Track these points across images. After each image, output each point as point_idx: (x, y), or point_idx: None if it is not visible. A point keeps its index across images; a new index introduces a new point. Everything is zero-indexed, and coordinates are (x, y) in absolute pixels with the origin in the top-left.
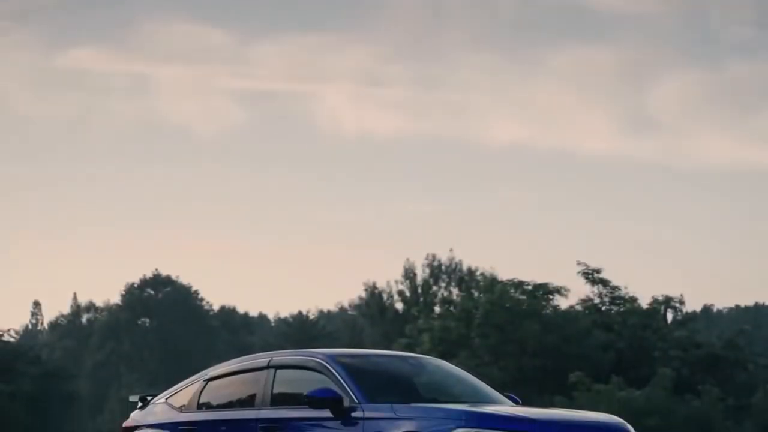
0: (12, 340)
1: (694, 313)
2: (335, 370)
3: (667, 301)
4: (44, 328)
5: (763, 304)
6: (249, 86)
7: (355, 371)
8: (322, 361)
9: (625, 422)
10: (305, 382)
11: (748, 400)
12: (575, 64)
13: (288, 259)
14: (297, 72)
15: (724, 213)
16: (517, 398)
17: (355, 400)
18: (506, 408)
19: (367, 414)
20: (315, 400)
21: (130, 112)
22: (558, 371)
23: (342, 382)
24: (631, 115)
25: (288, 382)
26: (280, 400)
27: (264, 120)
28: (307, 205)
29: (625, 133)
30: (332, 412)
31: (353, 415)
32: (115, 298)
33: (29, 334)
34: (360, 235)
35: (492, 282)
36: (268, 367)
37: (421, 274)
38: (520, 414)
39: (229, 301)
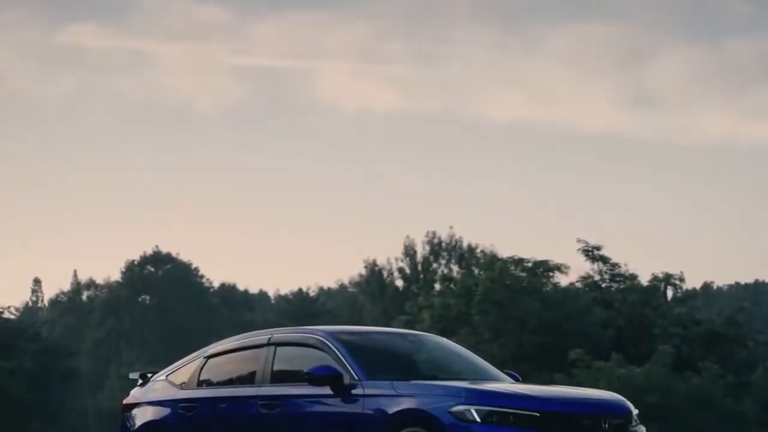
0: (12, 317)
1: (694, 290)
2: (335, 347)
3: (667, 279)
4: (44, 305)
5: (763, 281)
6: (249, 63)
7: (355, 348)
8: (323, 339)
9: (625, 399)
10: (305, 360)
11: (748, 377)
12: (575, 41)
13: (288, 236)
14: (297, 48)
15: (723, 190)
16: (517, 375)
17: (356, 378)
18: (506, 385)
19: (368, 391)
20: (315, 377)
21: (130, 88)
22: (558, 348)
23: (342, 359)
24: (631, 91)
25: (288, 359)
26: (280, 377)
27: (264, 97)
28: (307, 182)
29: (625, 109)
30: (332, 389)
31: (353, 392)
32: (116, 276)
33: (29, 311)
34: (360, 212)
35: (492, 259)
36: (268, 344)
37: (422, 251)
38: (520, 391)
39: (229, 278)
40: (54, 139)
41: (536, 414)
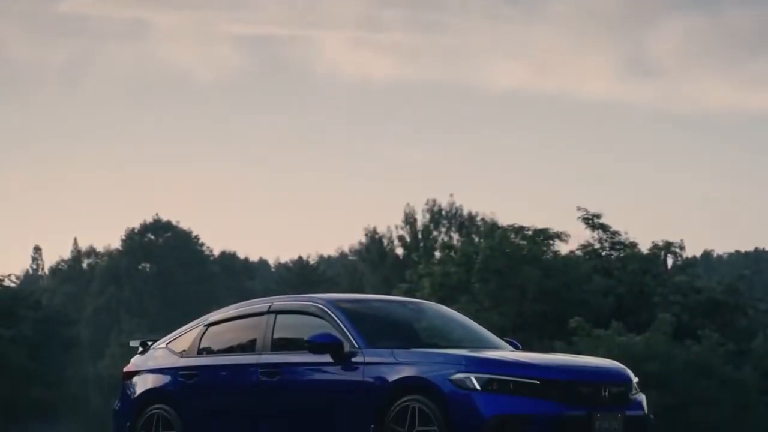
0: (12, 285)
1: (694, 258)
2: (336, 315)
3: (667, 247)
4: (45, 273)
5: (763, 249)
6: (248, 31)
7: (355, 316)
8: (323, 306)
9: (625, 367)
10: (306, 327)
11: (748, 345)
12: (575, 9)
13: (288, 205)
14: (296, 17)
15: (723, 158)
16: (516, 343)
17: (356, 345)
18: (506, 353)
19: (368, 359)
20: (315, 345)
21: (129, 57)
22: (558, 316)
23: (342, 327)
24: (631, 59)
25: (288, 327)
26: (280, 345)
27: (263, 65)
28: (306, 151)
29: (625, 77)
30: (333, 357)
31: (353, 360)
32: (116, 244)
33: (30, 279)
34: (360, 180)
35: (492, 227)
36: (268, 312)
37: (422, 219)
38: (520, 359)
39: (229, 246)
40: (54, 107)
41: (536, 382)
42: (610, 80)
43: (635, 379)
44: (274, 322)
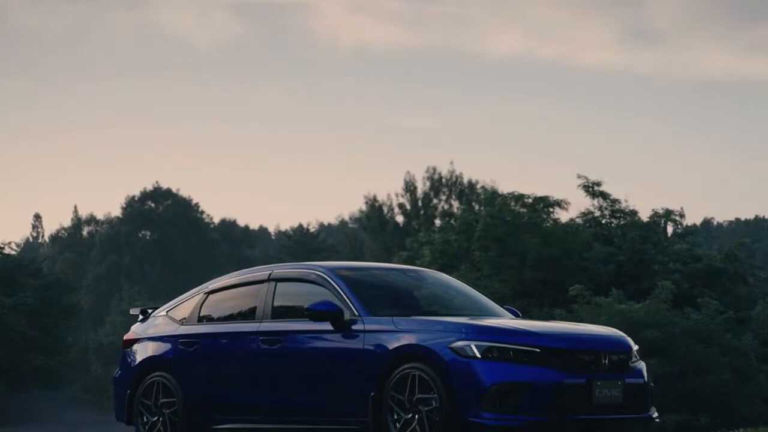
0: (13, 253)
1: (694, 226)
2: (336, 282)
3: (667, 215)
4: (45, 241)
5: (763, 217)
6: None
7: (355, 284)
8: (323, 274)
9: (625, 335)
10: (306, 295)
11: (747, 313)
12: None
13: (288, 173)
14: None
15: (724, 126)
16: (516, 311)
17: (356, 313)
18: (506, 321)
19: (368, 327)
20: (315, 312)
21: (128, 24)
22: (558, 284)
23: (342, 295)
24: (631, 26)
25: (289, 295)
26: (280, 312)
27: (262, 32)
28: (307, 118)
29: (625, 44)
30: (333, 324)
31: (354, 327)
32: (116, 211)
33: (30, 247)
34: (360, 148)
35: (492, 195)
36: (268, 280)
37: (422, 187)
38: (520, 327)
39: (229, 214)
40: (53, 74)
41: (536, 349)
42: (611, 47)
43: (635, 347)
44: (275, 290)
